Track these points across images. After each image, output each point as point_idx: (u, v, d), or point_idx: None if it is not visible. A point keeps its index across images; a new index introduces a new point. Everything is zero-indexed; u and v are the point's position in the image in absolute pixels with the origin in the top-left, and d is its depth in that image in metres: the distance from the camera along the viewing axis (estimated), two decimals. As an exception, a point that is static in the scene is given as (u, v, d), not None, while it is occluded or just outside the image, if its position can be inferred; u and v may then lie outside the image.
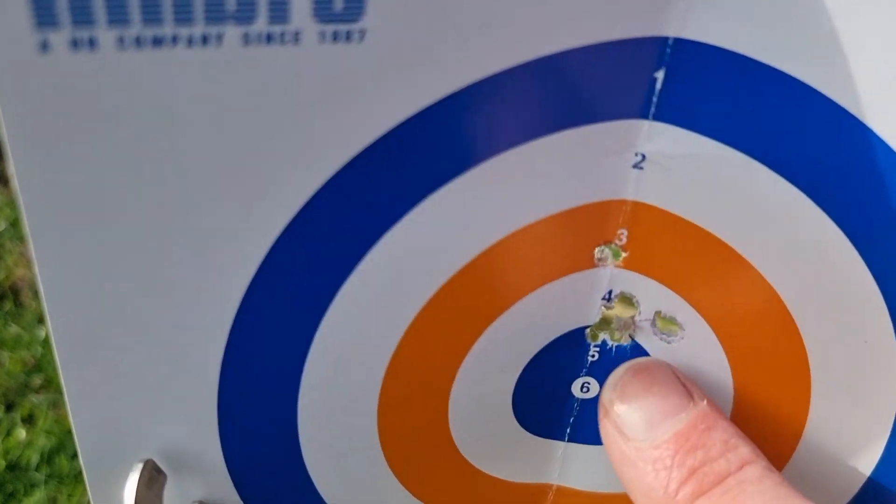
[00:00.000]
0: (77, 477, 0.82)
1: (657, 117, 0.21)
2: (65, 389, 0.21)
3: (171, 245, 0.19)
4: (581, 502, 0.28)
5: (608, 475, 0.26)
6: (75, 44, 0.15)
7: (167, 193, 0.18)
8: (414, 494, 0.26)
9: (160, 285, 0.19)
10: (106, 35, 0.16)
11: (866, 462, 0.24)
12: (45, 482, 0.82)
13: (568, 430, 0.26)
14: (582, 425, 0.26)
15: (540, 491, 0.28)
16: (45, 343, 0.98)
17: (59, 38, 0.15)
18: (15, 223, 1.20)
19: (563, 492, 0.28)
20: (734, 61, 0.20)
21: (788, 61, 0.19)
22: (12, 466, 0.83)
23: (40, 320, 1.03)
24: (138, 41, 0.16)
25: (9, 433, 0.87)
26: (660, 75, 0.20)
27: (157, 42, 0.16)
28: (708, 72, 0.20)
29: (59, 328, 0.20)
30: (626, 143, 0.21)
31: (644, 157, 0.21)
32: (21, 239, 1.16)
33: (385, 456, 0.25)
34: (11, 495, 0.81)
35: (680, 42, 0.20)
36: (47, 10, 0.15)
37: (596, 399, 0.25)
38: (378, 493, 0.25)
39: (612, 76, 0.20)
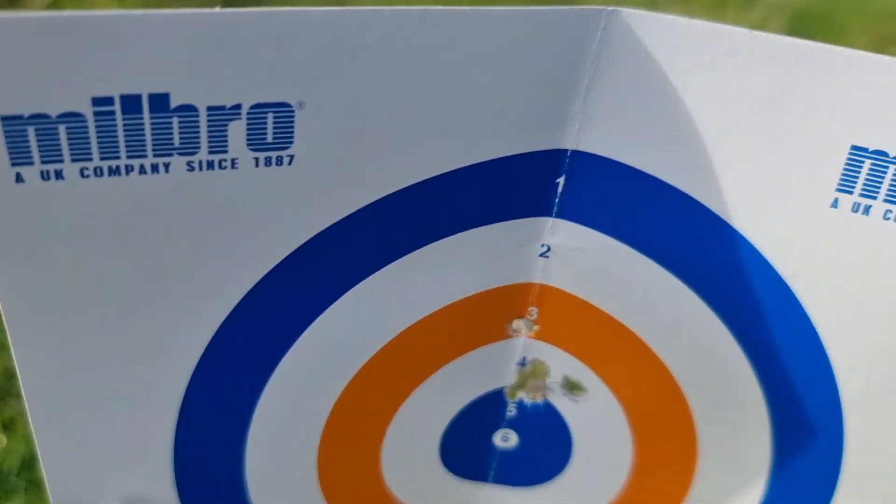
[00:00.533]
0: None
1: (559, 215, 0.24)
2: (37, 446, 0.24)
3: (128, 331, 0.22)
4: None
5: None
6: (44, 176, 0.18)
7: (125, 291, 0.21)
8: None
9: (120, 364, 0.22)
10: (70, 168, 0.18)
11: None
12: (26, 488, 0.84)
13: (491, 474, 0.29)
14: (504, 469, 0.29)
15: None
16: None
17: (31, 172, 0.18)
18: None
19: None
20: (623, 170, 0.23)
21: (668, 172, 0.22)
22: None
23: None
24: (97, 172, 0.19)
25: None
26: (561, 181, 0.23)
27: (114, 172, 0.19)
28: (601, 178, 0.23)
29: (33, 398, 0.22)
30: (533, 236, 0.24)
31: (549, 248, 0.24)
32: None
33: (326, 500, 0.28)
34: (-8, 500, 0.82)
35: (576, 153, 0.23)
36: (22, 149, 0.18)
37: (515, 448, 0.28)
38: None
39: (521, 181, 0.23)
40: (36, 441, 0.24)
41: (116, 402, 0.23)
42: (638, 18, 0.20)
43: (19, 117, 0.17)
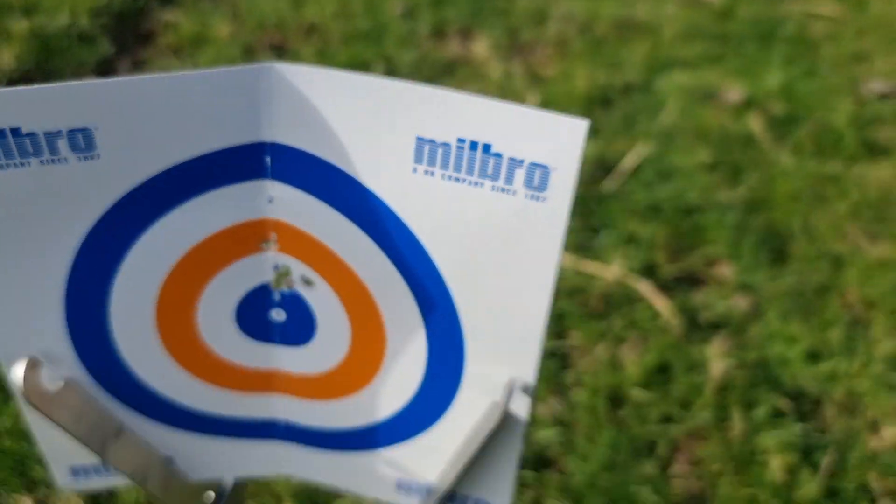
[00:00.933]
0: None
1: (274, 178, 0.40)
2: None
3: (26, 275, 0.39)
4: (303, 382, 0.49)
5: (318, 362, 0.46)
6: None
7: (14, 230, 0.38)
8: (185, 368, 0.47)
9: (33, 288, 0.39)
10: None
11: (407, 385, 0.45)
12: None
13: (275, 335, 0.47)
14: (285, 333, 0.46)
15: (266, 374, 0.48)
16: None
17: None
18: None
19: (286, 376, 0.49)
20: (306, 156, 0.39)
21: (328, 155, 0.39)
22: None
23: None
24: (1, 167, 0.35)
25: None
26: (268, 160, 0.39)
27: (9, 164, 0.35)
28: (296, 156, 0.39)
29: None
30: (261, 190, 0.40)
31: (272, 198, 0.41)
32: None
33: (166, 347, 0.45)
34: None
35: (275, 144, 0.39)
36: None
37: (287, 322, 0.45)
38: (162, 367, 0.46)
39: (241, 159, 0.39)
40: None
41: (30, 300, 0.40)
42: (286, 71, 0.36)
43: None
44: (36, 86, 0.34)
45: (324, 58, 1.79)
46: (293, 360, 0.47)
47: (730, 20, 2.18)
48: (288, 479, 0.81)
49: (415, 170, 0.37)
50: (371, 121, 0.37)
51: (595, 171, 1.52)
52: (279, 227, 0.41)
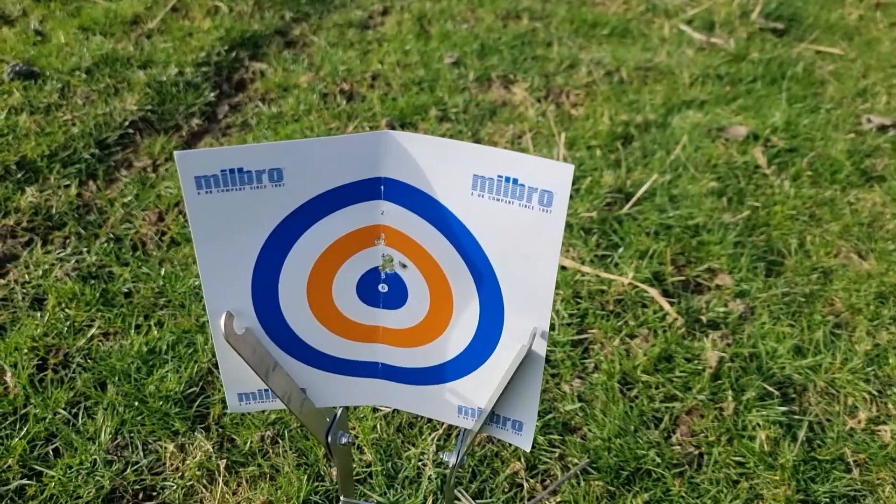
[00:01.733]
0: (191, 354, 1.27)
1: (385, 199, 0.62)
2: (204, 286, 0.64)
3: (231, 257, 0.61)
4: (396, 334, 0.70)
5: (408, 320, 0.68)
6: (203, 188, 0.58)
7: (239, 241, 0.60)
8: (322, 324, 0.69)
9: (235, 267, 0.62)
10: (218, 189, 0.58)
11: (466, 335, 0.66)
12: (171, 360, 1.28)
13: (380, 302, 0.68)
14: (387, 300, 0.68)
15: (373, 328, 0.70)
16: (165, 278, 1.44)
17: (207, 188, 0.58)
18: (138, 196, 1.65)
19: (386, 330, 0.70)
20: (406, 186, 0.61)
21: (423, 185, 0.60)
22: (150, 351, 1.29)
23: (160, 263, 1.48)
24: (226, 190, 0.58)
25: (146, 332, 1.33)
26: (382, 188, 0.61)
27: (232, 188, 0.58)
28: (399, 186, 0.61)
29: (207, 274, 0.62)
30: (377, 206, 0.62)
31: (383, 211, 0.63)
32: (146, 208, 1.61)
33: (311, 310, 0.67)
34: (151, 366, 1.27)
35: (387, 179, 0.61)
36: (202, 183, 0.57)
37: (389, 292, 0.67)
38: (308, 323, 0.68)
39: (366, 188, 0.61)
40: (200, 273, 0.64)
41: (232, 274, 0.63)
42: (396, 136, 0.58)
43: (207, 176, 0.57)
44: (251, 144, 0.57)
45: (386, 101, 2.03)
46: (391, 318, 0.69)
47: (743, 62, 2.36)
48: (370, 425, 1.02)
49: (472, 193, 0.59)
50: (445, 164, 0.59)
51: (615, 196, 1.72)
52: (387, 230, 0.63)
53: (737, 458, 1.19)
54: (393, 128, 1.91)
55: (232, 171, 0.58)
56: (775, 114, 2.08)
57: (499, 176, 0.58)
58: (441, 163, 0.59)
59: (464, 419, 0.73)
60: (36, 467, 1.10)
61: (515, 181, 0.57)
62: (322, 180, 0.60)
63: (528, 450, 0.74)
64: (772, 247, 1.65)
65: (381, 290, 0.68)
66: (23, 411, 1.18)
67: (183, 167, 0.57)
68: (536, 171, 0.56)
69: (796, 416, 1.27)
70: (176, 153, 0.57)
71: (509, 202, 0.58)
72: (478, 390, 0.71)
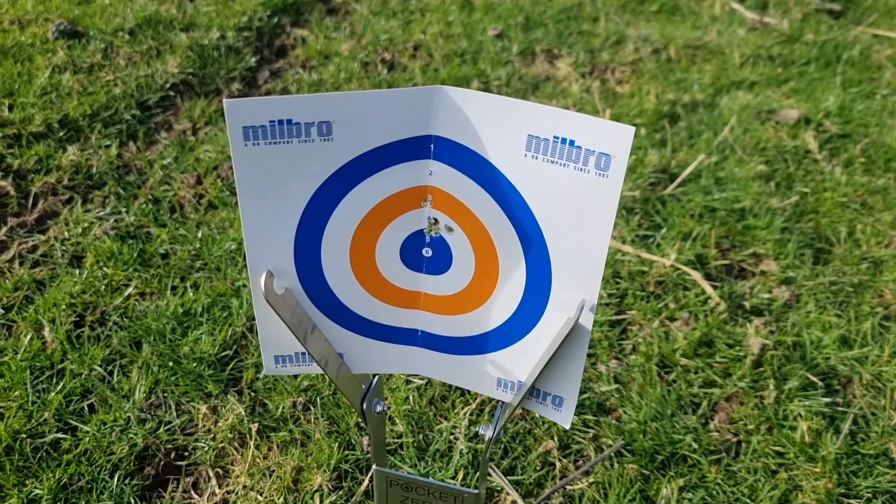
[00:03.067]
0: (225, 317, 1.27)
1: (434, 158, 0.60)
2: (246, 242, 0.63)
3: (275, 213, 0.60)
4: (438, 301, 0.68)
5: (451, 286, 0.66)
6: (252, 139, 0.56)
7: (286, 192, 0.59)
8: (363, 287, 0.67)
9: (279, 223, 0.60)
10: (265, 142, 0.56)
11: (511, 304, 0.63)
12: (206, 322, 1.28)
13: (424, 266, 0.66)
14: (430, 265, 0.66)
15: (415, 294, 0.68)
16: (202, 240, 1.44)
17: (258, 137, 0.56)
18: (177, 159, 1.65)
19: (427, 296, 0.68)
20: (457, 145, 0.59)
21: (474, 144, 0.58)
22: (185, 312, 1.29)
23: (198, 226, 1.48)
24: (273, 143, 0.56)
25: (182, 294, 1.33)
26: (432, 146, 0.59)
27: (280, 141, 0.56)
28: (450, 144, 0.59)
29: (250, 230, 0.61)
30: (425, 166, 0.60)
31: (431, 171, 0.60)
32: (184, 171, 1.61)
33: (353, 272, 0.66)
34: (186, 327, 1.27)
35: (438, 137, 0.59)
36: (250, 134, 0.56)
37: (433, 257, 0.65)
38: (349, 285, 0.66)
39: (415, 146, 0.59)
40: (245, 236, 0.63)
41: (275, 231, 0.61)
42: (449, 91, 0.56)
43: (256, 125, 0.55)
44: (302, 95, 0.55)
45: (427, 72, 2.00)
46: (434, 284, 0.67)
47: (796, 44, 2.29)
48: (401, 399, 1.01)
49: (525, 155, 0.56)
50: (499, 123, 0.56)
51: (659, 177, 1.68)
52: (434, 191, 0.61)
53: (776, 448, 1.16)
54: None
55: (280, 122, 0.56)
56: (829, 98, 2.01)
57: (555, 137, 0.55)
58: (495, 122, 0.56)
59: (503, 392, 0.71)
60: (71, 422, 1.11)
61: (572, 143, 0.54)
62: (371, 136, 0.58)
63: (567, 427, 0.71)
64: (820, 234, 1.60)
65: (424, 254, 0.66)
66: (60, 366, 1.19)
67: (231, 116, 0.55)
68: (595, 132, 0.53)
69: (840, 408, 1.24)
70: (225, 101, 0.55)
71: (564, 165, 0.56)
72: (519, 362, 0.69)
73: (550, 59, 2.14)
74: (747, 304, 1.40)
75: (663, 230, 1.54)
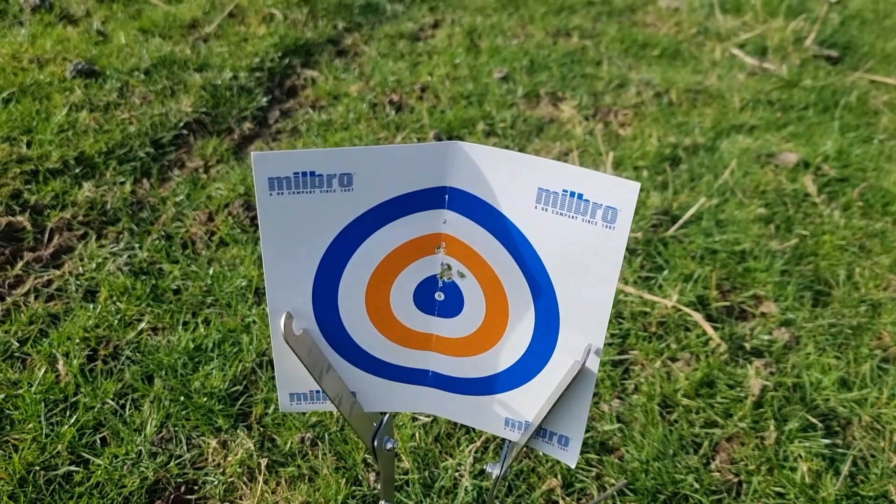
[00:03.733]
0: (236, 353, 1.30)
1: (449, 208, 0.63)
2: (267, 285, 0.66)
3: (296, 258, 0.63)
4: (449, 343, 0.71)
5: (462, 329, 0.69)
6: (278, 191, 0.60)
7: (301, 242, 0.62)
8: (378, 330, 0.70)
9: (298, 262, 0.64)
10: (289, 191, 0.60)
11: (520, 348, 0.66)
12: (216, 357, 1.30)
13: (436, 309, 0.69)
14: (442, 308, 0.69)
15: (426, 336, 0.71)
16: (213, 277, 1.47)
17: (284, 188, 0.59)
18: (189, 196, 1.69)
19: (438, 339, 0.71)
20: (470, 196, 0.62)
21: (486, 196, 0.61)
22: (197, 348, 1.32)
23: (209, 263, 1.52)
24: (297, 192, 0.60)
25: (194, 330, 1.36)
26: (446, 197, 0.63)
27: (304, 193, 0.60)
28: (464, 195, 0.62)
29: (271, 273, 0.64)
30: (440, 215, 0.64)
31: (446, 220, 0.64)
32: (196, 208, 1.65)
33: (368, 314, 0.69)
34: (197, 362, 1.29)
35: (452, 188, 0.62)
36: (276, 185, 0.59)
37: (445, 301, 0.68)
38: (364, 327, 0.69)
39: (431, 196, 0.63)
40: (266, 284, 0.66)
41: (295, 274, 0.64)
42: (464, 146, 0.60)
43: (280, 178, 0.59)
44: (325, 149, 0.59)
45: (434, 113, 2.05)
46: (445, 327, 0.70)
47: (795, 89, 2.34)
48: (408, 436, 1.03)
49: (536, 207, 0.60)
50: (510, 177, 0.60)
51: (661, 219, 1.71)
52: (448, 238, 0.64)
53: (777, 489, 1.18)
54: (440, 140, 1.93)
55: (304, 173, 0.59)
56: (827, 142, 2.06)
57: (564, 190, 0.58)
58: (507, 175, 0.60)
59: (510, 431, 0.74)
60: (84, 454, 1.13)
61: (580, 196, 0.58)
62: (389, 187, 0.62)
63: (573, 466, 0.74)
64: (819, 276, 1.62)
65: (437, 298, 0.69)
66: (73, 399, 1.21)
67: (258, 167, 0.59)
68: (602, 187, 0.57)
69: (840, 450, 1.25)
70: (253, 154, 0.58)
71: (573, 217, 0.59)
72: (527, 403, 0.71)
73: (554, 102, 2.20)
74: (748, 346, 1.42)
75: (665, 272, 1.57)
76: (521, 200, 0.61)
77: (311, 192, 0.60)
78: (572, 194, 0.58)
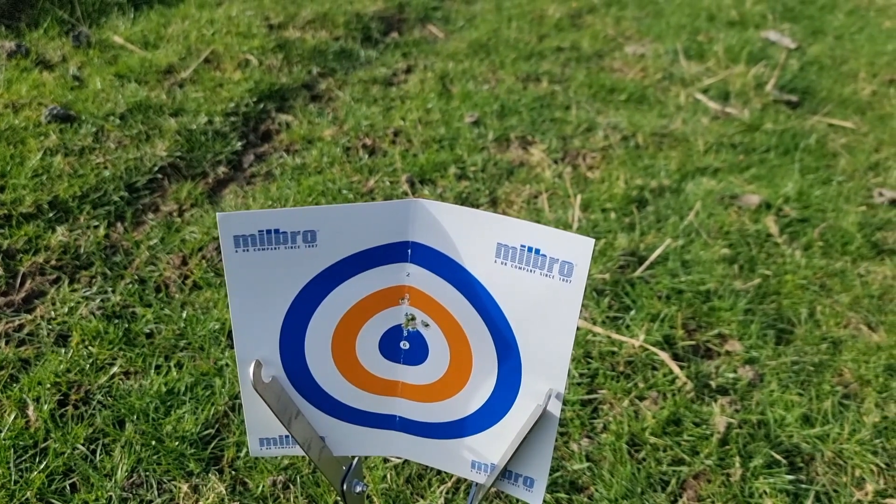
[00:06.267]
0: (208, 396, 1.30)
1: (412, 262, 0.66)
2: (235, 336, 0.68)
3: (263, 310, 0.65)
4: (415, 390, 0.73)
5: (427, 377, 0.71)
6: (242, 248, 0.62)
7: (267, 297, 0.64)
8: (345, 377, 0.72)
9: (266, 318, 0.66)
10: (255, 248, 0.62)
11: (484, 393, 0.69)
12: (188, 401, 1.31)
13: (401, 358, 0.72)
14: (408, 356, 0.71)
15: (393, 383, 0.73)
16: (186, 320, 1.48)
17: (247, 246, 0.62)
18: (163, 240, 1.71)
19: (405, 385, 0.73)
20: (433, 250, 0.65)
21: (448, 250, 0.64)
22: (169, 391, 1.32)
23: (182, 306, 1.52)
24: (262, 249, 0.62)
25: (166, 373, 1.36)
26: (409, 251, 0.65)
27: (269, 250, 0.62)
28: (426, 250, 0.65)
29: (239, 324, 0.66)
30: (403, 268, 0.66)
31: (409, 273, 0.66)
32: (170, 252, 1.66)
33: (335, 362, 0.71)
34: (169, 406, 1.29)
35: (415, 243, 0.65)
36: (239, 243, 0.61)
37: (410, 349, 0.70)
38: (331, 375, 0.71)
39: (394, 251, 0.65)
40: (235, 339, 0.68)
41: (262, 325, 0.66)
42: (426, 204, 0.62)
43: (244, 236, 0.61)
44: (289, 208, 0.61)
45: (407, 157, 2.09)
46: (411, 374, 0.72)
47: (757, 132, 2.42)
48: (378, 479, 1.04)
49: (495, 261, 0.63)
50: (471, 232, 0.63)
51: (629, 259, 1.75)
52: (411, 290, 0.67)
53: (743, 526, 1.20)
54: (413, 184, 1.97)
55: (269, 231, 0.62)
56: (788, 184, 2.12)
57: (522, 245, 0.61)
58: (467, 231, 0.63)
59: (477, 473, 0.76)
60: (53, 501, 1.12)
61: (538, 251, 0.61)
62: (352, 243, 0.64)
63: (537, 507, 0.76)
64: (782, 315, 1.67)
65: (402, 346, 0.71)
66: (43, 445, 1.21)
67: (224, 227, 0.61)
68: (558, 242, 0.60)
69: (803, 486, 1.28)
70: (218, 215, 0.61)
71: (531, 271, 0.62)
72: (492, 446, 0.73)
73: (524, 146, 2.25)
74: (713, 384, 1.46)
75: (632, 311, 1.61)
76: (481, 255, 0.64)
77: (275, 248, 0.63)
78: (530, 249, 0.61)
